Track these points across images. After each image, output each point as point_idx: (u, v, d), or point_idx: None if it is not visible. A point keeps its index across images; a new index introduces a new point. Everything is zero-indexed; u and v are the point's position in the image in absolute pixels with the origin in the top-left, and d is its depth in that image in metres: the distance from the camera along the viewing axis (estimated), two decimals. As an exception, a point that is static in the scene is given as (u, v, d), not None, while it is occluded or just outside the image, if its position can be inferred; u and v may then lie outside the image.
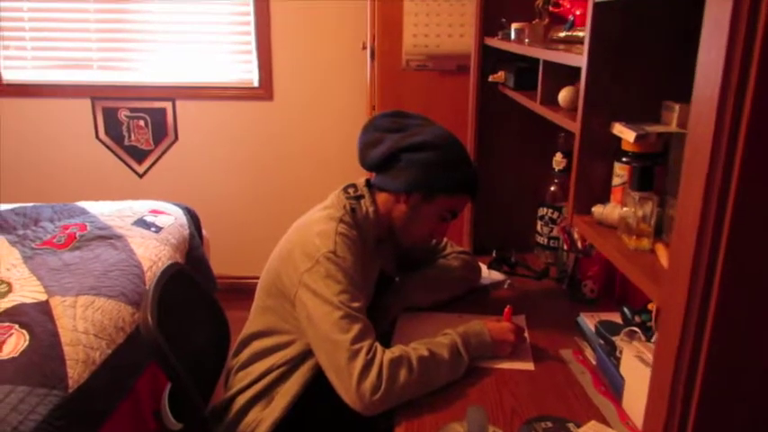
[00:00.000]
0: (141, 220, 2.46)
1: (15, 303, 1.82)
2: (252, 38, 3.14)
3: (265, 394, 1.39)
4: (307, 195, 3.30)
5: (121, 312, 1.89)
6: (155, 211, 2.55)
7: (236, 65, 3.21)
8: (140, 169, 3.32)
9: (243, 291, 2.95)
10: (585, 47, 1.01)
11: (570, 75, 1.40)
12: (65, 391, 1.54)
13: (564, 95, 1.34)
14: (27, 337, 1.64)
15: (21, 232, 2.37)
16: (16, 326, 1.70)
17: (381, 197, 1.45)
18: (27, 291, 1.90)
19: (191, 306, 1.56)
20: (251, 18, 3.11)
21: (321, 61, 3.14)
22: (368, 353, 1.23)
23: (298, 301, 1.31)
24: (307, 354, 1.35)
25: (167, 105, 3.23)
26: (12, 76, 3.24)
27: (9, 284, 1.95)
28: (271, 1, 3.06)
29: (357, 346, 1.23)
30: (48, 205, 2.65)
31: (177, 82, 3.21)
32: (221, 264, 2.83)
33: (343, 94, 3.16)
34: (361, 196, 1.45)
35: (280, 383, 1.38)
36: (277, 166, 3.29)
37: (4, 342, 1.62)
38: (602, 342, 1.35)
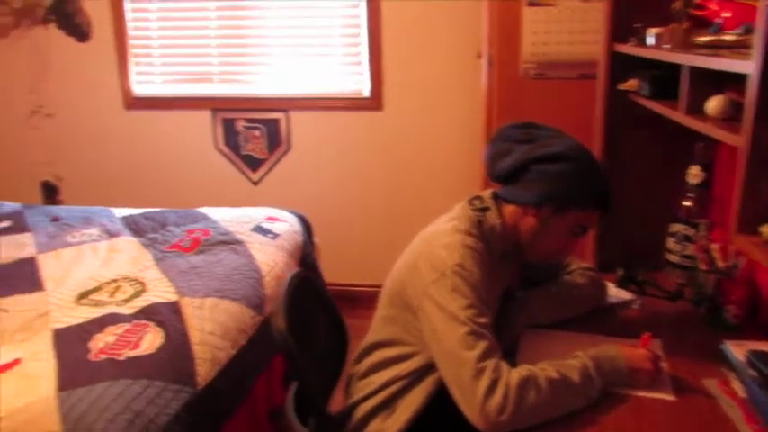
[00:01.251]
0: (259, 226, 2.56)
1: (150, 303, 1.94)
2: (362, 49, 3.19)
3: (387, 405, 1.38)
4: (416, 206, 3.32)
5: (243, 315, 1.96)
6: (271, 218, 2.65)
7: (347, 76, 3.28)
8: (255, 177, 3.47)
9: (351, 298, 2.99)
10: (757, 51, 0.92)
11: (717, 82, 1.30)
12: (194, 389, 1.61)
13: (715, 105, 1.24)
14: (163, 334, 1.75)
15: (151, 236, 2.54)
16: (152, 323, 1.81)
17: (508, 210, 1.41)
18: (159, 291, 2.02)
19: (314, 313, 1.59)
20: (362, 30, 3.17)
21: (431, 71, 3.14)
22: (494, 371, 1.19)
23: (421, 313, 1.30)
24: (430, 367, 1.33)
25: (281, 116, 3.36)
26: (141, 90, 3.50)
27: (143, 284, 2.09)
28: (382, 12, 3.11)
29: (482, 364, 1.19)
30: (173, 210, 2.82)
31: (291, 94, 3.33)
32: (329, 271, 2.89)
33: (454, 103, 3.13)
34: (487, 208, 1.41)
35: (402, 395, 1.37)
36: (387, 176, 3.32)
37: (141, 338, 1.73)
38: (754, 374, 1.23)
